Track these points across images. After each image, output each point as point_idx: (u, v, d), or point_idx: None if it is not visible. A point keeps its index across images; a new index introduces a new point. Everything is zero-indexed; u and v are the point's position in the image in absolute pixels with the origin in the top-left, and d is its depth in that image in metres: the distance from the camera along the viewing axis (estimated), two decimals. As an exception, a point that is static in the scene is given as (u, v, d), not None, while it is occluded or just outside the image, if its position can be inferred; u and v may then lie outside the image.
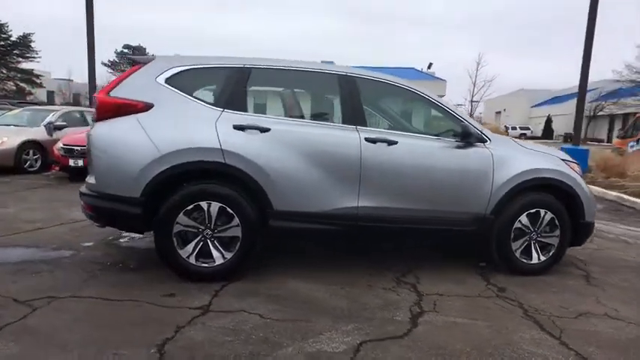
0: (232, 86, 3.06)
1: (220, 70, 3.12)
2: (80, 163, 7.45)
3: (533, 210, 3.40)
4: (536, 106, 47.61)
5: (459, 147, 3.29)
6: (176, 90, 2.99)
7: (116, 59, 41.39)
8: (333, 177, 3.06)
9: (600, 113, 35.93)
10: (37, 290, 2.74)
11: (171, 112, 2.94)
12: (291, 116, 3.17)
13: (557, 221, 3.45)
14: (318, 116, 3.33)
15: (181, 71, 3.04)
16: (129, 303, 2.65)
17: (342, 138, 3.10)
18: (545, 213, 3.42)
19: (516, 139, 3.70)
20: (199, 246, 2.95)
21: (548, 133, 39.54)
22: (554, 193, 3.45)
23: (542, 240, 3.47)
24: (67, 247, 3.67)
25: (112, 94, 2.94)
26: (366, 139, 3.10)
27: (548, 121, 40.68)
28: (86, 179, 3.06)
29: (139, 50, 45.25)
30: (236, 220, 2.94)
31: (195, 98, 3.02)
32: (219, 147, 2.88)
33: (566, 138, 40.73)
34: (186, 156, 2.85)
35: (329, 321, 2.52)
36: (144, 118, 2.89)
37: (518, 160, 3.39)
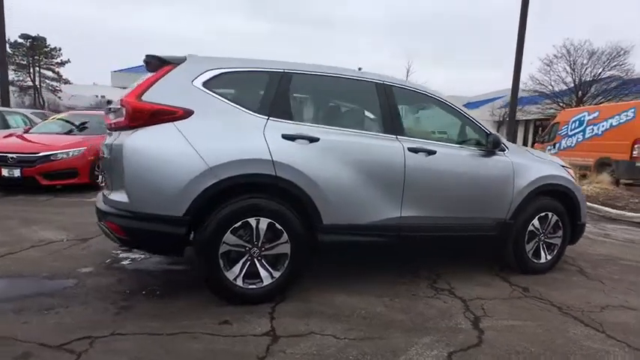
0: (275, 92, 2.88)
1: (261, 75, 2.92)
2: (17, 173, 6.47)
3: (543, 214, 3.69)
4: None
5: (483, 156, 3.46)
6: (216, 95, 2.74)
7: (10, 50, 36.67)
8: (380, 188, 3.03)
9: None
10: (65, 331, 2.32)
11: (214, 119, 2.69)
12: (336, 125, 3.06)
13: (560, 223, 3.79)
14: (360, 125, 3.26)
15: (219, 74, 2.79)
16: (183, 336, 2.36)
17: (388, 148, 3.08)
18: (552, 216, 3.74)
19: (527, 148, 3.95)
20: (246, 266, 2.74)
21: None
22: (558, 197, 3.78)
23: (549, 241, 3.79)
24: (62, 275, 3.16)
25: (144, 98, 2.60)
26: (409, 149, 3.13)
27: (462, 126, 44.27)
28: (107, 197, 2.66)
29: (40, 41, 40.47)
30: (285, 237, 2.78)
31: (237, 104, 2.79)
32: (270, 158, 2.69)
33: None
34: (237, 168, 2.62)
35: (403, 335, 2.49)
36: (185, 127, 2.59)
37: (532, 167, 3.66)
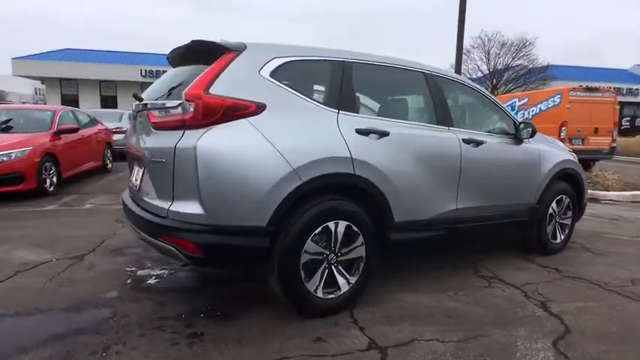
0: (341, 83, 2.64)
1: (324, 64, 2.64)
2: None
3: (559, 197, 3.92)
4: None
5: (517, 144, 3.55)
6: (285, 86, 2.42)
7: None
8: (441, 181, 2.96)
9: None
10: (147, 374, 1.92)
11: (288, 114, 2.37)
12: (398, 118, 2.89)
13: (571, 204, 4.05)
14: (419, 117, 3.12)
15: (284, 63, 2.46)
16: (285, 361, 2.09)
17: (447, 140, 3.00)
18: (566, 198, 3.98)
19: (541, 134, 4.10)
20: (325, 275, 2.50)
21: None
22: (569, 180, 4.03)
23: (562, 222, 4.04)
24: (87, 304, 2.62)
25: (213, 91, 2.20)
26: (463, 140, 3.08)
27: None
28: (165, 208, 2.22)
29: None
30: (360, 239, 2.59)
31: (307, 97, 2.50)
32: (350, 155, 2.47)
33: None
34: (319, 169, 2.35)
35: (499, 330, 2.47)
36: (261, 123, 2.26)
37: (552, 153, 3.84)
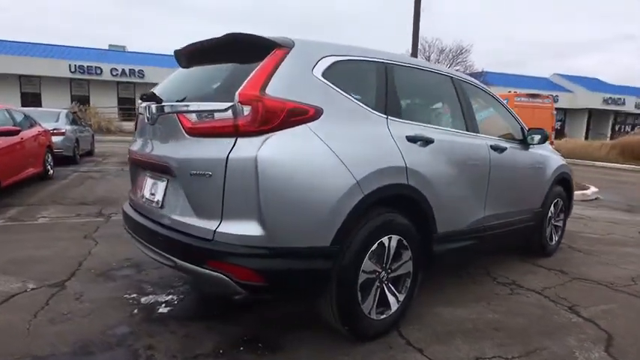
0: (386, 87, 2.45)
1: (370, 65, 2.43)
2: None
3: (556, 200, 4.06)
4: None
5: (524, 149, 3.60)
6: (337, 88, 2.18)
7: None
8: (475, 188, 2.90)
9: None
10: None
11: (344, 119, 2.14)
12: (436, 124, 2.76)
13: (563, 207, 4.22)
14: (452, 123, 2.99)
15: (334, 63, 2.21)
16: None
17: (479, 147, 2.94)
18: (560, 201, 4.14)
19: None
20: (377, 294, 2.31)
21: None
22: (563, 184, 4.19)
23: (556, 224, 4.19)
24: (96, 345, 2.18)
25: (271, 92, 1.91)
26: (491, 147, 3.04)
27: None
28: (218, 230, 1.88)
29: None
30: (408, 253, 2.43)
31: (357, 100, 2.28)
32: (404, 165, 2.30)
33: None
34: (379, 180, 2.15)
35: (549, 340, 2.43)
36: (321, 130, 2.00)
37: (551, 158, 3.96)
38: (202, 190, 1.94)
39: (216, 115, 1.94)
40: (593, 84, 36.44)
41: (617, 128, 35.66)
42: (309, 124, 1.98)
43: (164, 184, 2.23)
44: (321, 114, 2.04)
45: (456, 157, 2.70)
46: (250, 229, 1.85)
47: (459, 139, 2.82)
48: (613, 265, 3.92)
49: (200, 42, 2.35)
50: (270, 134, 1.87)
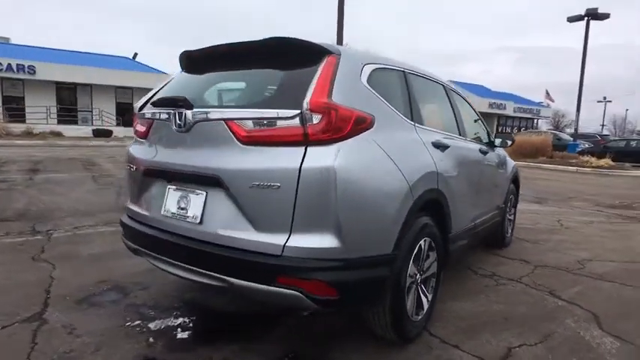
0: (408, 94, 2.52)
1: (396, 74, 2.49)
2: None
3: (511, 196, 4.53)
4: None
5: (492, 151, 3.95)
6: (379, 96, 2.19)
7: None
8: (472, 189, 3.11)
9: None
10: None
11: (389, 127, 2.15)
12: (444, 130, 2.90)
13: (514, 202, 4.74)
14: (453, 129, 3.12)
15: (373, 71, 2.22)
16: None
17: (474, 150, 3.17)
18: (513, 197, 4.63)
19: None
20: (415, 296, 2.37)
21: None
22: (514, 181, 4.69)
23: (509, 217, 4.68)
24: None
25: (335, 100, 1.84)
26: (480, 150, 3.30)
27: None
28: (288, 245, 1.75)
29: None
30: (434, 255, 2.53)
31: (394, 108, 2.30)
32: (436, 170, 2.40)
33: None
34: (423, 184, 2.22)
35: (553, 324, 2.72)
36: (378, 138, 2.00)
37: (507, 159, 4.41)
38: (266, 202, 1.81)
39: (280, 123, 1.82)
40: (480, 90, 41.17)
41: (499, 130, 40.73)
42: (368, 132, 1.96)
43: (201, 197, 2.02)
44: (374, 122, 2.03)
45: (462, 161, 2.89)
46: (325, 241, 1.77)
47: (461, 143, 3.03)
48: (558, 252, 4.50)
49: (228, 44, 2.18)
50: (340, 143, 1.81)
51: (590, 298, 3.19)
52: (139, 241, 2.31)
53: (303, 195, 1.75)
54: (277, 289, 1.79)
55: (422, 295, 2.44)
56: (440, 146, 2.58)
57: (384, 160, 1.98)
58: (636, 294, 3.34)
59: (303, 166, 1.75)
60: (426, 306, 2.47)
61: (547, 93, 34.87)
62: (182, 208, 2.09)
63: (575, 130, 22.86)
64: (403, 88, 2.52)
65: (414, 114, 2.50)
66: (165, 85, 2.56)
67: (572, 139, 23.43)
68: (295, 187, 1.75)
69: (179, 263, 2.06)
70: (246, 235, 1.86)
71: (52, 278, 3.15)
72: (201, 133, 2.01)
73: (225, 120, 1.92)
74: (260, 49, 2.10)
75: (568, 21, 20.05)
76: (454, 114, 3.22)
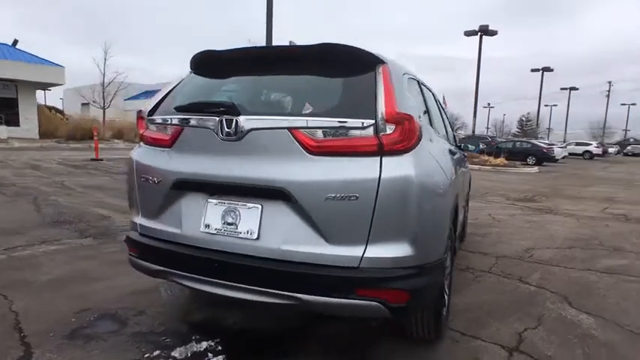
0: (425, 102, 2.67)
1: (415, 82, 2.59)
2: None
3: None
4: (130, 99, 48.27)
5: (460, 152, 4.29)
6: (415, 104, 2.28)
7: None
8: (461, 190, 3.36)
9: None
10: None
11: (428, 135, 2.22)
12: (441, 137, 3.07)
13: (468, 199, 5.21)
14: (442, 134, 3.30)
15: (407, 80, 2.31)
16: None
17: (458, 154, 3.41)
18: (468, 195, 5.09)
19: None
20: (445, 294, 2.51)
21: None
22: (469, 181, 5.15)
23: (466, 214, 5.13)
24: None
25: (402, 109, 1.86)
26: (458, 153, 3.56)
27: (148, 115, 42.60)
28: (366, 256, 1.73)
29: None
30: (450, 253, 2.70)
31: (423, 115, 2.41)
32: (456, 175, 2.58)
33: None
34: (454, 188, 2.37)
35: (536, 307, 3.07)
36: (428, 146, 2.08)
37: (466, 159, 4.83)
38: (341, 214, 1.77)
39: (353, 133, 1.80)
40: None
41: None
42: (422, 141, 2.03)
43: (255, 210, 1.90)
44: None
45: (455, 165, 3.09)
46: (401, 249, 1.80)
47: (453, 148, 3.25)
48: (505, 243, 5.06)
49: (271, 48, 2.09)
50: (412, 152, 1.85)
51: (551, 282, 3.66)
52: (166, 261, 2.08)
53: (381, 205, 1.75)
54: (356, 301, 1.77)
55: (445, 292, 2.59)
56: (451, 153, 2.76)
57: (438, 168, 2.07)
58: (581, 275, 3.92)
59: (382, 176, 1.75)
60: (446, 301, 2.63)
61: (443, 98, 38.45)
62: (230, 224, 1.94)
63: (473, 132, 25.67)
64: (421, 96, 2.64)
65: (431, 122, 2.64)
66: (178, 87, 2.34)
67: (472, 140, 26.26)
68: (374, 198, 1.75)
69: (230, 283, 1.90)
70: (318, 248, 1.80)
71: (15, 313, 2.66)
72: (257, 142, 1.89)
73: (290, 129, 1.83)
74: (309, 55, 2.04)
75: (465, 35, 22.45)
76: (443, 119, 3.44)
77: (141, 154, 2.27)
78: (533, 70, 39.95)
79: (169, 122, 2.13)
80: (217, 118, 1.93)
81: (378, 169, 1.76)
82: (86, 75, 32.39)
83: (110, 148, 21.18)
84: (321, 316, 2.59)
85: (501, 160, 18.27)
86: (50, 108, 28.41)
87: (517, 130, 75.04)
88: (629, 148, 48.29)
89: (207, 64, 2.29)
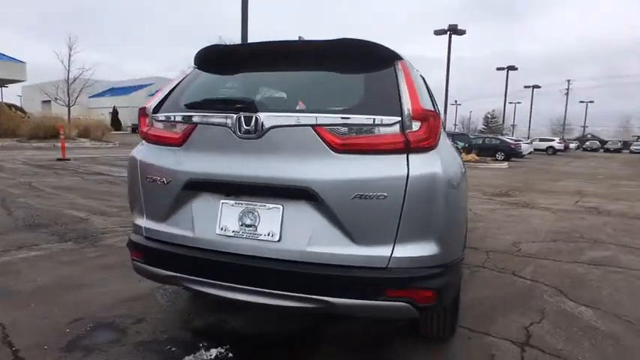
0: (431, 97, 2.64)
1: (421, 77, 2.56)
2: None
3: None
4: (94, 96, 46.41)
5: None
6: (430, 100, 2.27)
7: None
8: None
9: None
10: None
11: (443, 131, 2.23)
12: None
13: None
14: None
15: (420, 75, 2.30)
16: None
17: None
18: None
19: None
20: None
21: (116, 124, 40.13)
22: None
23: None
24: None
25: (425, 106, 1.83)
26: (455, 147, 3.58)
27: (115, 113, 41.22)
28: (395, 256, 1.69)
29: None
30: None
31: None
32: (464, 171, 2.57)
33: (134, 129, 43.21)
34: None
35: (535, 300, 3.14)
36: (447, 143, 2.07)
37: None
38: (369, 213, 1.71)
39: (379, 130, 1.74)
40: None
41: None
42: (442, 137, 2.01)
43: (276, 211, 1.81)
44: None
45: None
46: (428, 248, 1.76)
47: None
48: (491, 238, 5.16)
49: (284, 42, 2.00)
50: (436, 149, 1.82)
51: (544, 275, 3.75)
52: (177, 266, 1.96)
53: (409, 203, 1.71)
54: (386, 302, 1.72)
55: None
56: (456, 149, 2.75)
57: (456, 165, 2.05)
58: (570, 267, 4.03)
59: (410, 174, 1.71)
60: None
61: None
62: (248, 225, 1.84)
63: (443, 128, 26.15)
64: (427, 91, 2.61)
65: None
66: (184, 83, 2.21)
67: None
68: (402, 196, 1.70)
69: (250, 287, 1.81)
70: (344, 249, 1.74)
71: (2, 326, 2.46)
72: (279, 140, 1.80)
73: (314, 126, 1.75)
74: (326, 50, 1.96)
75: (435, 34, 22.87)
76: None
77: (146, 153, 2.13)
78: (498, 69, 41.15)
79: (180, 120, 2.00)
80: (235, 116, 1.83)
81: (406, 167, 1.72)
82: (50, 71, 30.86)
83: (76, 147, 20.33)
84: (332, 316, 2.54)
85: (472, 156, 18.74)
86: (10, 106, 26.91)
87: (483, 126, 77.30)
88: (587, 143, 50.98)
89: (215, 59, 2.18)
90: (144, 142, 2.21)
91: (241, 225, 1.86)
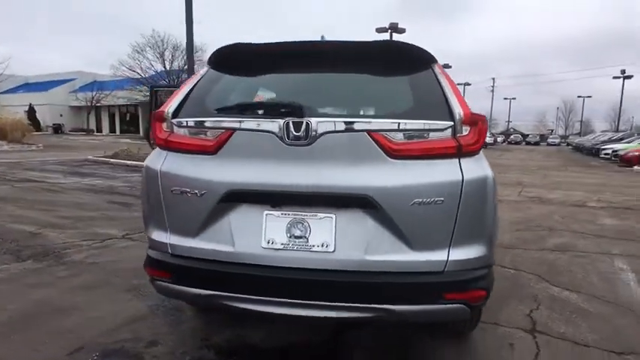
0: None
1: None
2: None
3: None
4: (5, 92, 41.56)
5: None
6: None
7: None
8: None
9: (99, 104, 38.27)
10: None
11: None
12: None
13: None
14: None
15: None
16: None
17: None
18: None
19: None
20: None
21: (35, 124, 36.37)
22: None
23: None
24: None
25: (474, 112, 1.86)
26: None
27: (32, 111, 37.34)
28: (451, 259, 1.71)
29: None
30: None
31: None
32: None
33: (57, 129, 39.50)
34: None
35: (533, 289, 3.35)
36: None
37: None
38: (427, 219, 1.72)
39: (432, 135, 1.75)
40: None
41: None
42: None
43: (328, 220, 1.75)
44: None
45: None
46: (479, 250, 1.81)
47: None
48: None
49: (317, 42, 1.93)
50: (480, 152, 1.87)
51: (522, 264, 4.01)
52: (217, 284, 1.82)
53: (464, 207, 1.74)
54: (445, 306, 1.74)
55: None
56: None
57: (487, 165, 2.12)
58: (540, 255, 4.36)
59: (465, 178, 1.73)
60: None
61: None
62: (298, 237, 1.76)
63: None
64: None
65: None
66: (203, 85, 2.05)
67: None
68: (458, 200, 1.73)
69: (305, 302, 1.74)
70: (402, 256, 1.73)
71: (-12, 362, 2.14)
72: (331, 146, 1.74)
73: (369, 131, 1.71)
74: (366, 52, 1.92)
75: (376, 32, 23.51)
76: None
77: (169, 163, 1.94)
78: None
79: (213, 126, 1.85)
80: (282, 121, 1.74)
81: (460, 172, 1.75)
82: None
83: (-8, 150, 18.15)
84: (354, 324, 2.52)
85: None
86: None
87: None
88: (512, 137, 55.71)
89: (240, 59, 2.05)
90: (161, 149, 2.02)
91: (290, 237, 1.77)
